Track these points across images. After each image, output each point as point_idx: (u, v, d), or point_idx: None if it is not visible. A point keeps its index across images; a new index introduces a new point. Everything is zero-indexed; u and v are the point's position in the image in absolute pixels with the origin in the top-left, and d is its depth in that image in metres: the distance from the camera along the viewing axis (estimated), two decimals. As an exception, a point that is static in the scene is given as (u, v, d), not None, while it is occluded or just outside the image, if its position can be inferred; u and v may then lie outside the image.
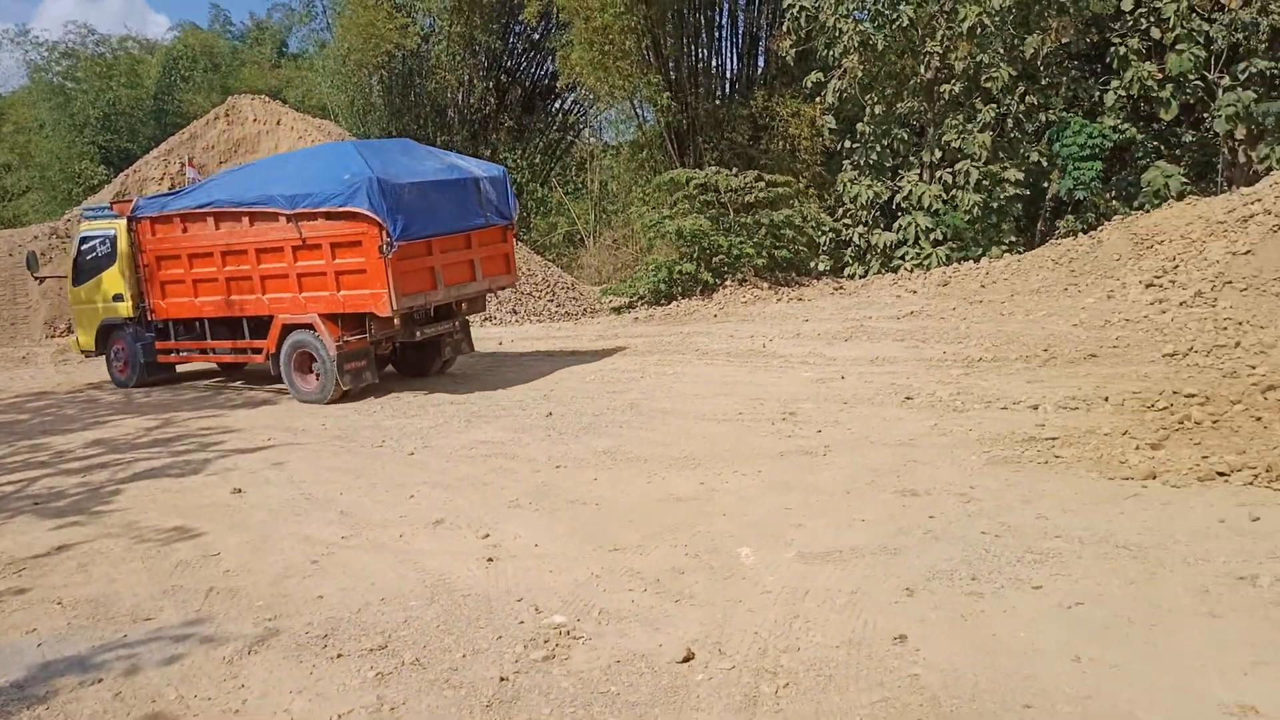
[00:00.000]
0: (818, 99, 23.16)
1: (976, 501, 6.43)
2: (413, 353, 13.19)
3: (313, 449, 9.27)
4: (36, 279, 15.25)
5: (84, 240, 14.14)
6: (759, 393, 10.84)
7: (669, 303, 20.68)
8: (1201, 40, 19.47)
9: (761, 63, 30.99)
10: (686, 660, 4.46)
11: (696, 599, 5.11)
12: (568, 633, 4.76)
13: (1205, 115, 20.15)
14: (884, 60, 21.79)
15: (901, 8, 20.58)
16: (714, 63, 31.45)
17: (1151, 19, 20.10)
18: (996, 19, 19.79)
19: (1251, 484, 6.33)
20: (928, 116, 21.68)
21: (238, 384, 14.10)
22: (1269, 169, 17.81)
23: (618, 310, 21.78)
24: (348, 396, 11.77)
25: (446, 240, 11.90)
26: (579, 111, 36.88)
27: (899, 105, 22.14)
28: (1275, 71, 19.40)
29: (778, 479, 7.32)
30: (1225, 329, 11.68)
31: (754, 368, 12.27)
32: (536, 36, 35.04)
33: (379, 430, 10.01)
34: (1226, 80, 19.61)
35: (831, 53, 21.51)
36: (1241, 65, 19.29)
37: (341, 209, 10.98)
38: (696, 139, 30.10)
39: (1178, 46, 19.39)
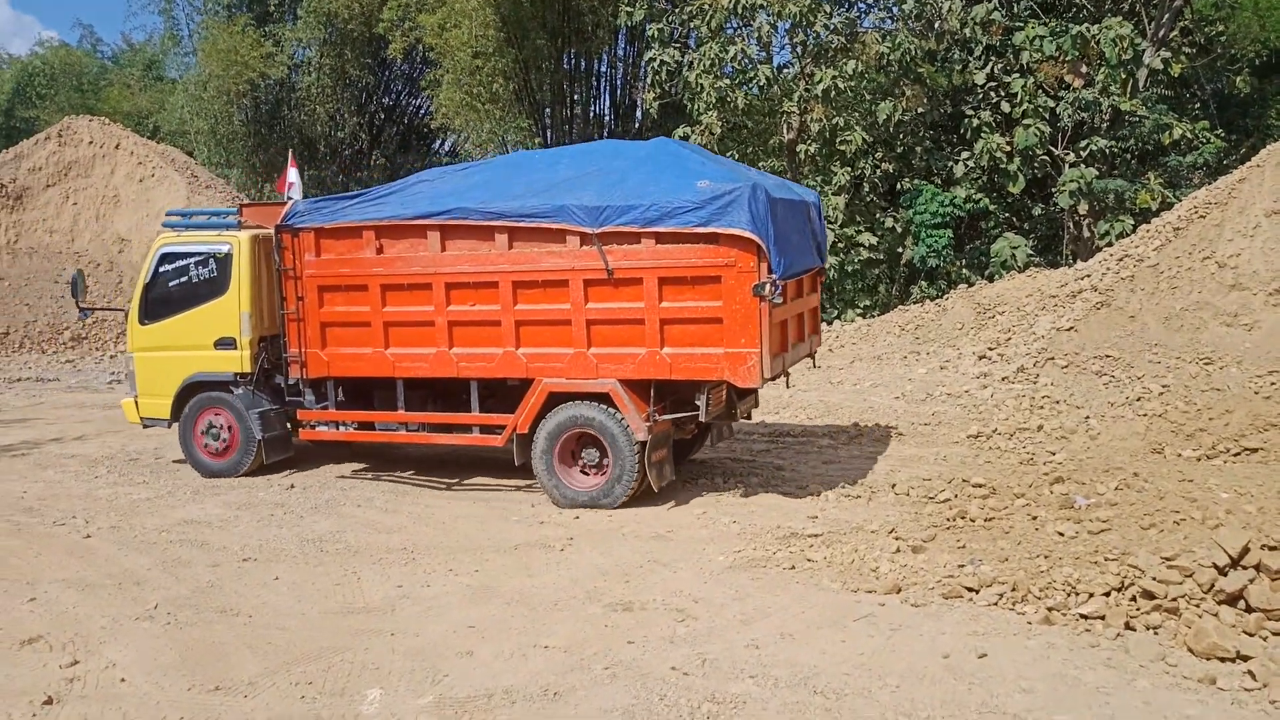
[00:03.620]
0: (682, 153, 22.72)
1: (691, 621, 5.53)
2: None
3: (-24, 527, 7.85)
4: (80, 310, 10.26)
5: (166, 259, 9.54)
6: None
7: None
8: (1047, 117, 19.70)
9: (639, 114, 30.63)
10: None
11: (267, 769, 4.02)
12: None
13: (1052, 190, 20.35)
14: (745, 117, 21.55)
15: (760, 68, 20.36)
16: (591, 110, 30.98)
17: (1002, 94, 20.30)
18: (851, 84, 19.68)
19: (995, 604, 5.59)
20: (787, 176, 21.39)
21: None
22: (1108, 243, 17.92)
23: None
24: (627, 499, 8.04)
25: (794, 284, 8.46)
26: (458, 153, 35.89)
27: (760, 163, 21.87)
28: (1114, 150, 19.75)
29: (489, 582, 6.31)
30: (1042, 408, 11.25)
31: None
32: (415, 75, 34.08)
33: (85, 501, 8.63)
34: (1071, 157, 19.87)
35: (694, 108, 21.13)
36: (1084, 143, 19.56)
37: (696, 229, 7.50)
38: (569, 187, 29.43)
39: (1025, 121, 19.56)
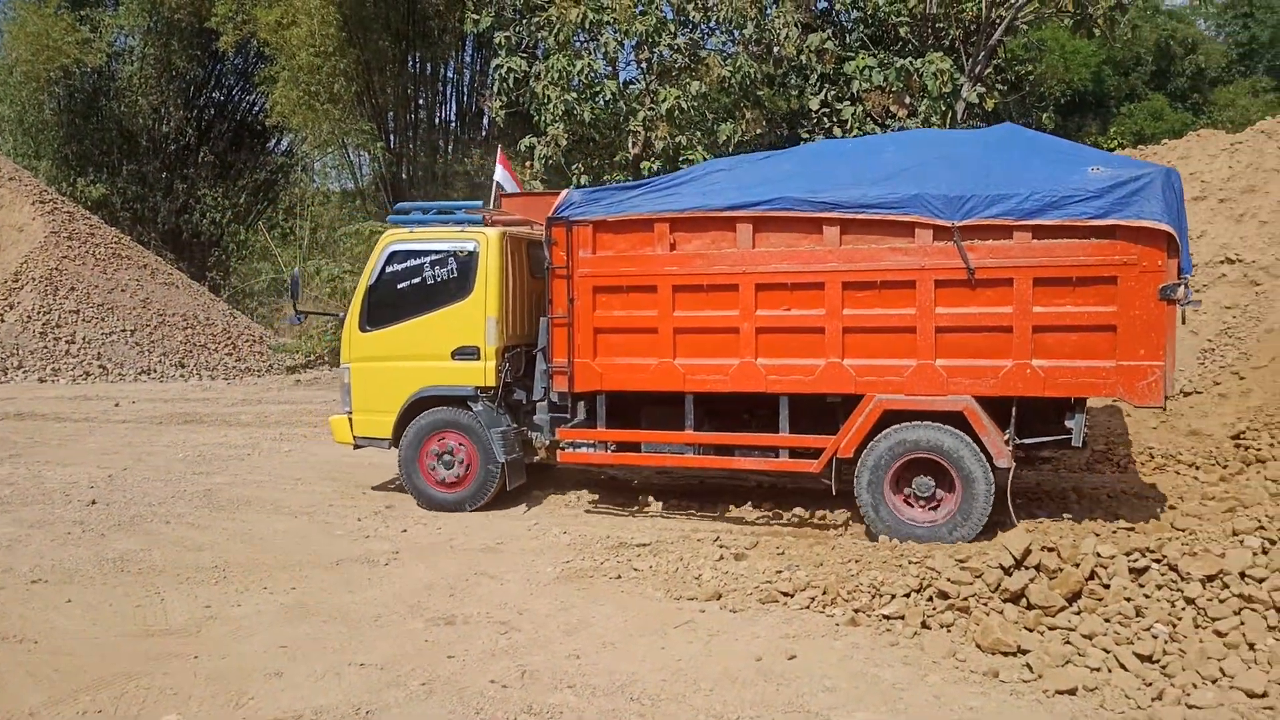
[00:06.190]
0: (528, 163, 22.71)
1: (514, 633, 5.51)
2: None
3: None
4: (297, 314, 9.32)
5: (395, 258, 8.46)
6: (372, 477, 9.62)
7: (349, 365, 19.09)
8: (875, 143, 20.77)
9: (487, 121, 30.38)
10: None
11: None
12: None
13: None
14: (593, 130, 21.71)
15: (606, 83, 20.59)
16: (436, 116, 30.51)
17: (834, 119, 21.28)
18: (695, 103, 20.17)
19: (808, 607, 5.84)
20: (631, 191, 21.67)
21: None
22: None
23: (292, 369, 19.87)
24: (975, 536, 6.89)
25: None
26: (294, 153, 34.52)
27: (606, 178, 22.07)
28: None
29: (306, 600, 6.09)
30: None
31: (386, 447, 11.02)
32: (249, 70, 32.60)
33: None
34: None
35: (541, 119, 21.12)
36: (908, 169, 20.74)
37: (1090, 222, 6.47)
38: (413, 193, 28.86)
39: (854, 146, 20.52)
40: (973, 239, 6.77)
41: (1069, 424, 6.88)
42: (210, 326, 23.54)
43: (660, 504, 8.32)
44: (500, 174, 9.91)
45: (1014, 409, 6.94)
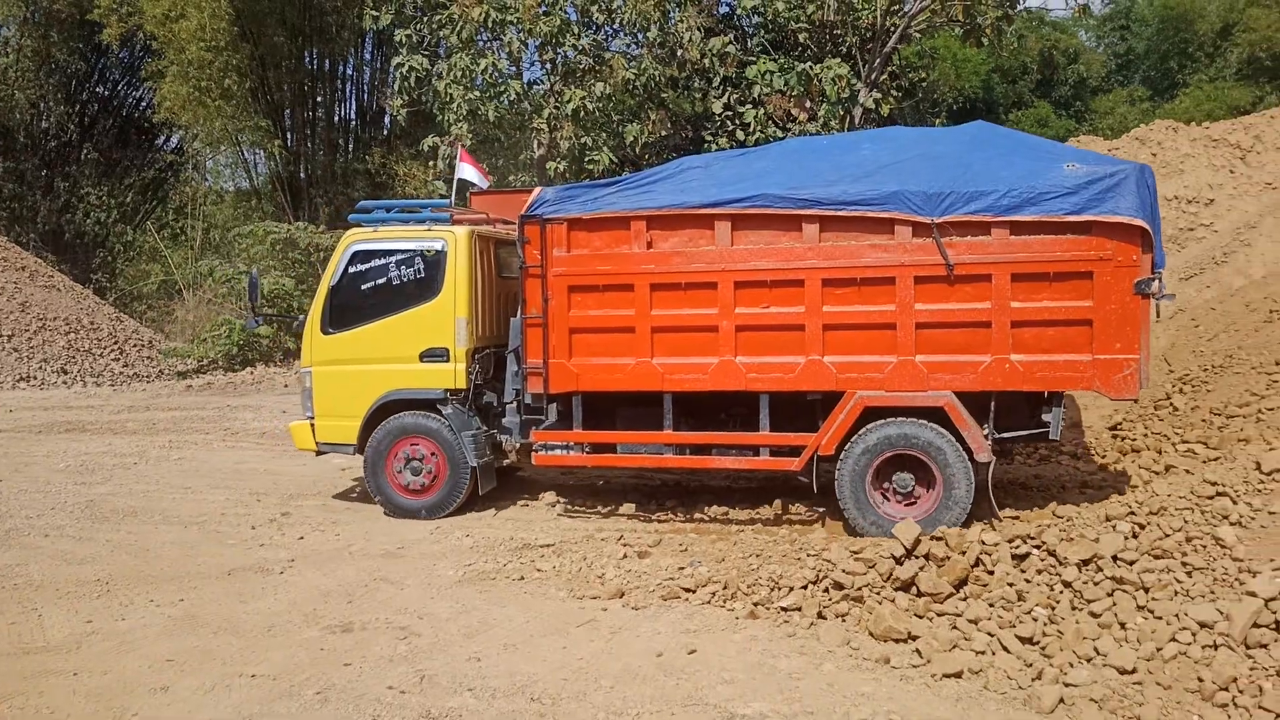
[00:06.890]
0: (431, 163, 22.39)
1: (413, 638, 5.43)
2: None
3: None
4: (254, 317, 9.27)
5: (359, 258, 8.21)
6: (267, 484, 9.35)
7: (244, 368, 18.48)
8: (776, 145, 21.15)
9: (388, 120, 29.82)
10: None
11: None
12: None
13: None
14: (497, 130, 21.55)
15: (510, 82, 20.45)
16: (336, 114, 29.79)
17: (737, 122, 21.60)
18: (600, 104, 20.20)
19: (709, 602, 5.92)
20: (537, 192, 21.57)
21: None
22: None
23: (183, 375, 19.14)
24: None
25: None
26: (184, 151, 33.23)
27: (511, 179, 21.94)
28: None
29: (195, 611, 5.88)
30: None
31: (283, 451, 10.72)
32: (135, 64, 31.26)
33: None
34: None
35: (444, 118, 20.84)
36: (808, 172, 21.19)
37: (1066, 218, 6.53)
38: (312, 192, 28.14)
39: (755, 149, 20.87)
40: (952, 235, 6.83)
41: (1046, 418, 7.05)
42: (95, 331, 22.48)
43: (564, 503, 8.32)
44: (471, 172, 9.68)
45: (992, 404, 7.03)
